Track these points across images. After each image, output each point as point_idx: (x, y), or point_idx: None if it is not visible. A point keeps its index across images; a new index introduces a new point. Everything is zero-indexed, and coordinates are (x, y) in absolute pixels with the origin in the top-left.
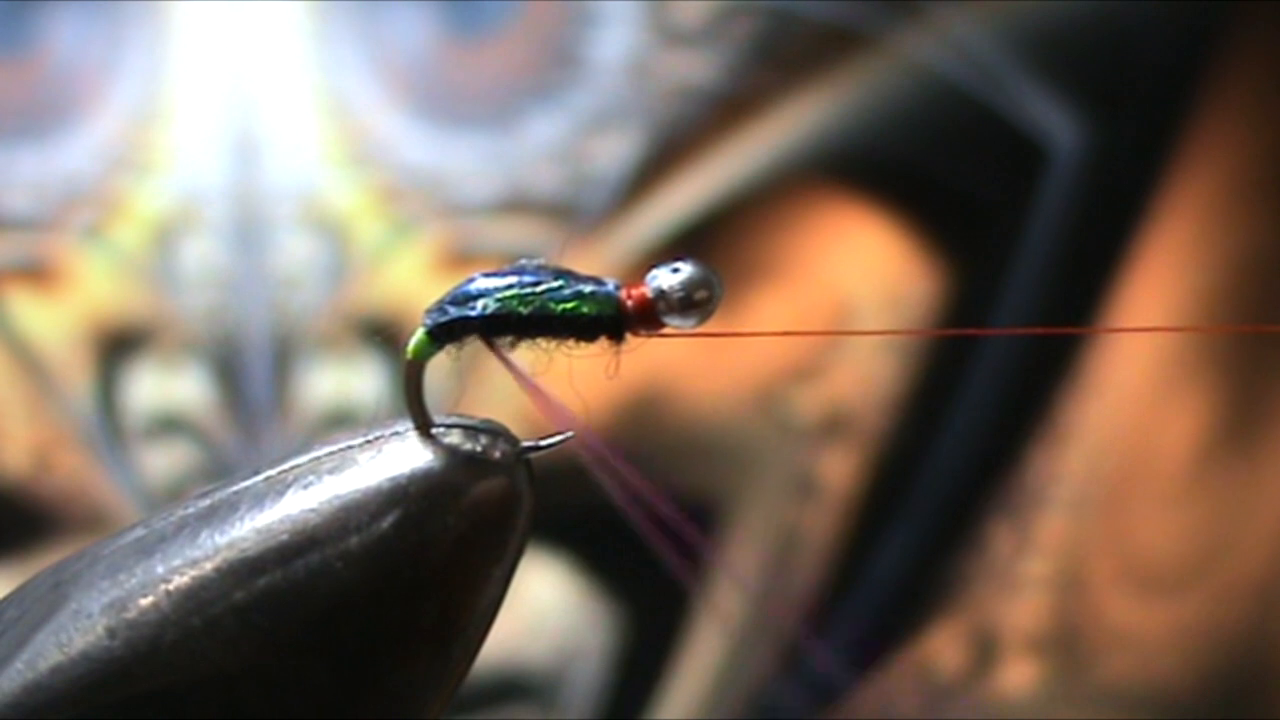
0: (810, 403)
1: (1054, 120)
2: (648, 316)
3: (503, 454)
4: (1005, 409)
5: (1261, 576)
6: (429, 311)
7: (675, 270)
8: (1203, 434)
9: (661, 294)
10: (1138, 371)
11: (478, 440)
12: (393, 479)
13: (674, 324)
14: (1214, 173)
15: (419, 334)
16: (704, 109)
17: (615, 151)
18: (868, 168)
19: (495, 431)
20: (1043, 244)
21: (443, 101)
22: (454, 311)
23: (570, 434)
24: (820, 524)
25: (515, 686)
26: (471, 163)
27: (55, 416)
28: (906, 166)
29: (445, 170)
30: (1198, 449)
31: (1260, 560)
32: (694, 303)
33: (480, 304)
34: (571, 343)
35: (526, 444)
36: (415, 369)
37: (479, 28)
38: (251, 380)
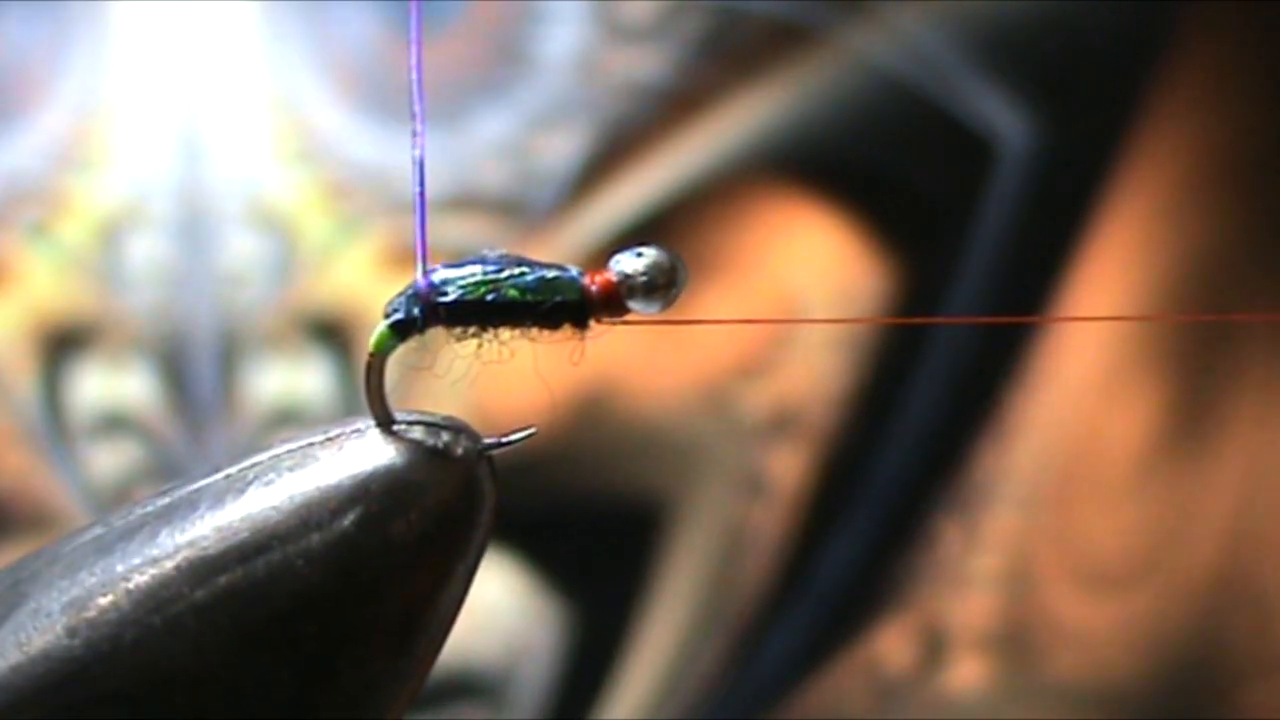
0: (758, 400)
1: (1002, 117)
2: (612, 302)
3: (465, 451)
4: (953, 406)
5: (1209, 573)
6: (391, 304)
7: (639, 255)
8: (1151, 430)
9: (625, 278)
10: (1086, 368)
11: (440, 437)
12: (354, 476)
13: (638, 309)
14: (1162, 170)
15: (381, 328)
16: (652, 106)
17: (563, 148)
18: (816, 164)
19: (457, 428)
20: (991, 241)
21: (389, 98)
22: (417, 303)
23: (533, 430)
24: (769, 521)
25: (464, 685)
26: None
27: (0, 415)
28: (855, 163)
29: (392, 167)
30: (1146, 445)
31: (1208, 556)
32: (657, 287)
33: (443, 293)
34: (535, 331)
35: (488, 441)
36: (377, 364)
37: (426, 24)
38: (197, 378)
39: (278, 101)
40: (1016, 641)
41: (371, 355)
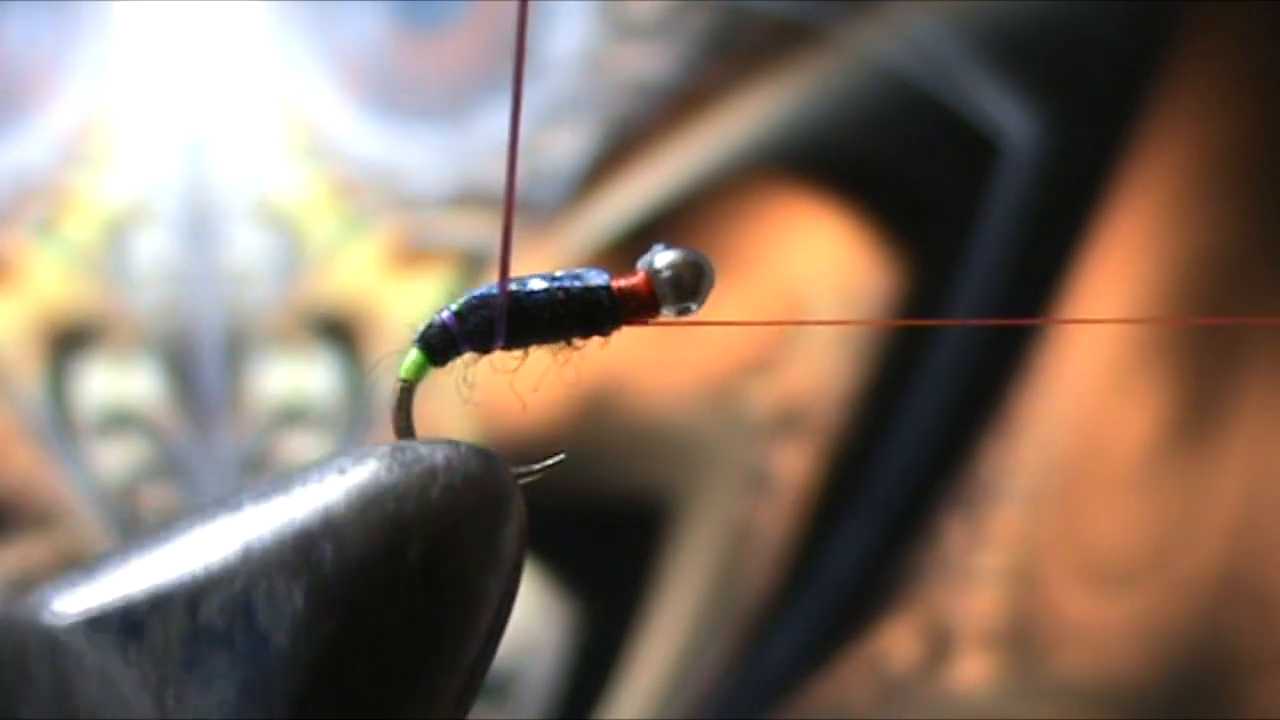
0: (764, 397)
1: (1007, 114)
2: (645, 301)
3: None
4: (958, 402)
5: (1215, 570)
6: (424, 329)
7: (667, 251)
8: (1157, 427)
9: (656, 273)
10: (1091, 364)
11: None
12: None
13: (668, 308)
14: (1168, 167)
15: (413, 354)
16: (658, 103)
17: (569, 146)
18: (822, 162)
19: (489, 455)
20: (997, 238)
21: (395, 95)
22: (446, 336)
23: (561, 457)
24: (774, 519)
25: None
26: (424, 157)
27: (6, 412)
28: (861, 161)
29: (398, 164)
30: (1151, 442)
31: (1214, 554)
32: (686, 283)
33: (466, 324)
34: (566, 343)
35: (520, 470)
36: (407, 390)
37: (431, 22)
38: (204, 376)
39: (284, 99)
40: (1021, 638)
41: (402, 380)
